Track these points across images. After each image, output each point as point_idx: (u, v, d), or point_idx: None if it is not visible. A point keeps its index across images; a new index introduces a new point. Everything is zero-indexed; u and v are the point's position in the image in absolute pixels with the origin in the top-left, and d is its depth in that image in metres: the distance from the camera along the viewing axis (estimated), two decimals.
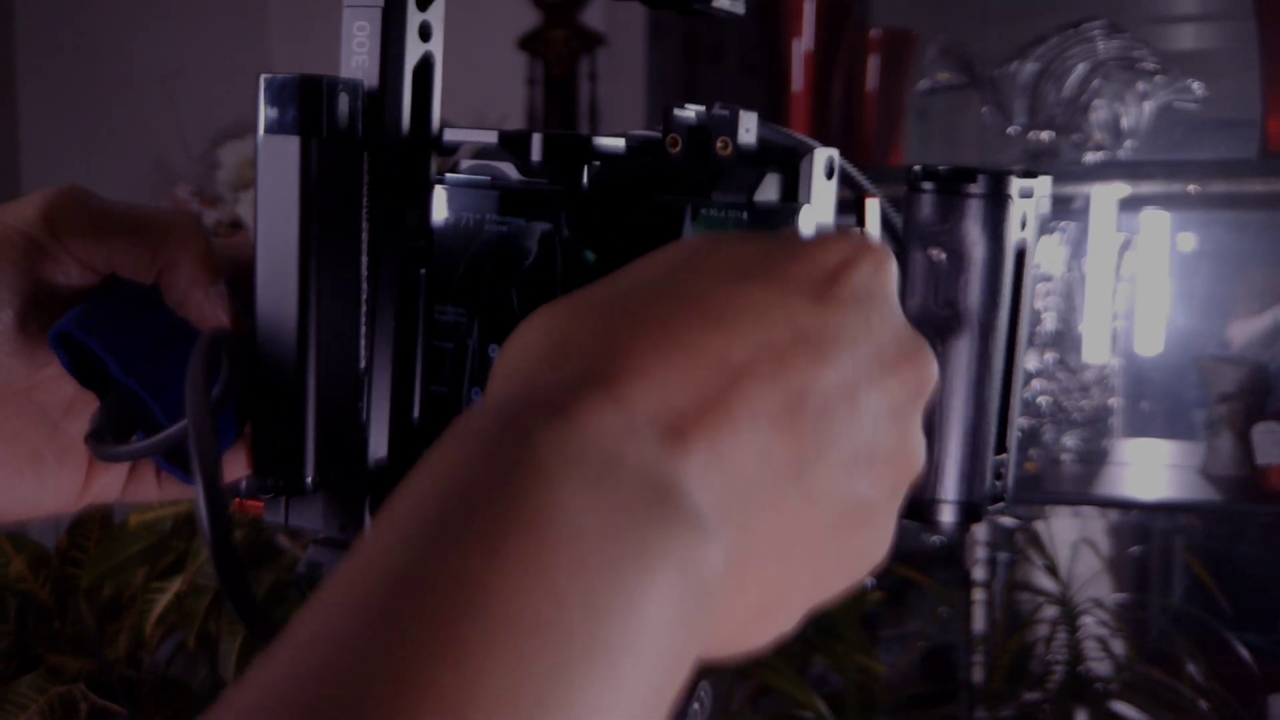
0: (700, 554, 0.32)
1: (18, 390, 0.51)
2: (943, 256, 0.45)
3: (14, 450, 0.51)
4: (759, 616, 0.37)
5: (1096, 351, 2.16)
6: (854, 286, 0.39)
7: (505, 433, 0.32)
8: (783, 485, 0.36)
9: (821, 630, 2.00)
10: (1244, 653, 2.17)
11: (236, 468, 0.52)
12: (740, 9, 0.54)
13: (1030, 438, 2.13)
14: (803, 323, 0.37)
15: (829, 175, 0.48)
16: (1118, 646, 2.22)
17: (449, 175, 0.52)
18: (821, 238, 0.40)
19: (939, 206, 0.45)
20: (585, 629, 0.29)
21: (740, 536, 0.35)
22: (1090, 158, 2.11)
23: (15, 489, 0.51)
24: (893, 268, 0.40)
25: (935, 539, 2.24)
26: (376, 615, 0.28)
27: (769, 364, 0.36)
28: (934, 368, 0.40)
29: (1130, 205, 2.20)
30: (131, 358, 0.50)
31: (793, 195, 0.47)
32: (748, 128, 0.48)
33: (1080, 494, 2.10)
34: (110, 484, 0.53)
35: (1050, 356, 2.15)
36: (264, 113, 0.49)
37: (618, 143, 0.51)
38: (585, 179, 0.51)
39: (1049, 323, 2.14)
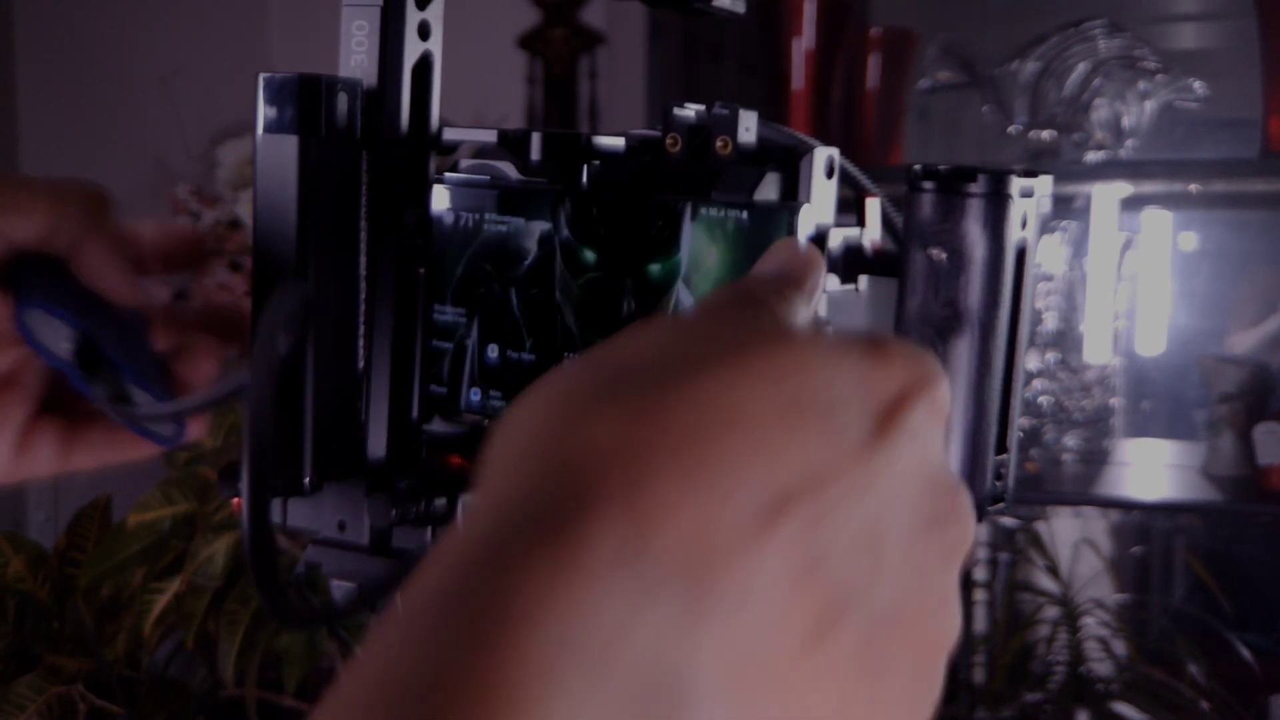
0: None
1: None
2: (943, 256, 0.45)
3: None
4: None
5: (1098, 351, 2.16)
6: (907, 425, 0.35)
7: (495, 582, 0.28)
8: (794, 658, 0.32)
9: None
10: (1245, 653, 2.17)
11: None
12: (740, 8, 0.54)
13: (1031, 438, 2.13)
14: (847, 467, 0.33)
15: (829, 174, 0.47)
16: (1119, 647, 2.21)
17: (448, 174, 0.52)
18: (886, 360, 0.35)
19: (939, 206, 0.45)
20: None
21: (739, 713, 0.31)
22: (1091, 157, 2.10)
23: None
24: (946, 401, 0.37)
25: None
26: None
27: (803, 513, 0.32)
28: (972, 523, 0.36)
29: (1131, 204, 2.20)
30: (89, 323, 0.51)
31: (793, 194, 0.47)
32: (747, 127, 0.48)
33: (1081, 494, 2.10)
34: (46, 456, 0.53)
35: (1051, 356, 2.14)
36: (263, 112, 0.49)
37: (617, 142, 0.51)
38: (584, 178, 0.51)
39: (1050, 322, 2.14)
